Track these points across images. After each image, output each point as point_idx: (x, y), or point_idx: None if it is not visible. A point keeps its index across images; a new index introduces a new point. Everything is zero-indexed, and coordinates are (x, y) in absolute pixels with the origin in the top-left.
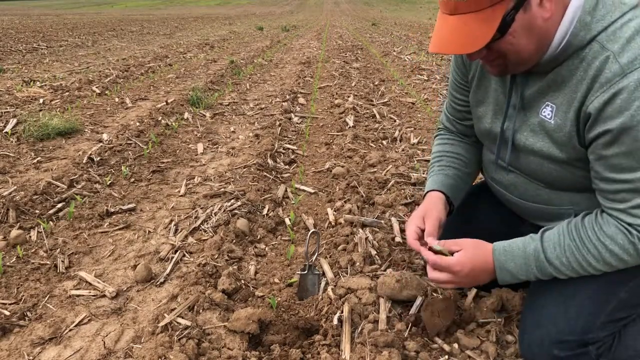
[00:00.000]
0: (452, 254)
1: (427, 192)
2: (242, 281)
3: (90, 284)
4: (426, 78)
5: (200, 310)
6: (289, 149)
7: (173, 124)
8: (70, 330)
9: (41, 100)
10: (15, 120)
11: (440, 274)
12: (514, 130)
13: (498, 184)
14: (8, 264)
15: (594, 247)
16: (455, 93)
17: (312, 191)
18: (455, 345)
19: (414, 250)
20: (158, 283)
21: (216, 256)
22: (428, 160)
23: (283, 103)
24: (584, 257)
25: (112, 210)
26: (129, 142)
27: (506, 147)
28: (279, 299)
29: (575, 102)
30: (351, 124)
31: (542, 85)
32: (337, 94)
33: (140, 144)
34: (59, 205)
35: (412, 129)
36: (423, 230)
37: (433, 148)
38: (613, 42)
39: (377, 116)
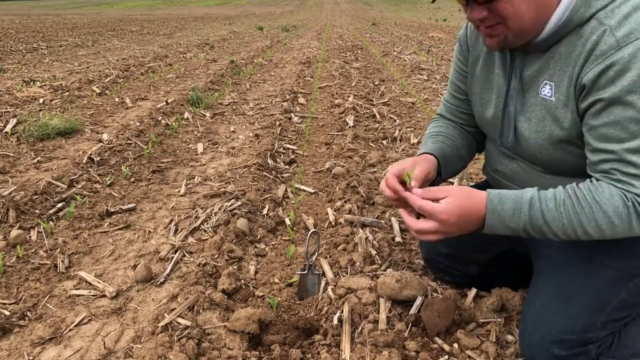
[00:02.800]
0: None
1: (419, 154)
2: (242, 281)
3: (90, 284)
4: (426, 78)
5: (200, 310)
6: (289, 148)
7: (173, 124)
8: (70, 330)
9: (41, 100)
10: (15, 120)
11: (426, 222)
12: (515, 113)
13: (501, 175)
14: (8, 264)
15: (588, 205)
16: (458, 82)
17: (312, 191)
18: (455, 345)
19: (413, 250)
20: (158, 283)
21: (216, 256)
22: None
23: (283, 103)
24: (577, 214)
25: (112, 210)
26: (129, 142)
27: (508, 132)
28: (279, 299)
29: (574, 77)
30: (351, 123)
31: (540, 64)
32: (337, 93)
33: (140, 144)
34: (59, 205)
35: (412, 129)
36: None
37: (427, 130)
38: (610, 18)
39: (377, 116)
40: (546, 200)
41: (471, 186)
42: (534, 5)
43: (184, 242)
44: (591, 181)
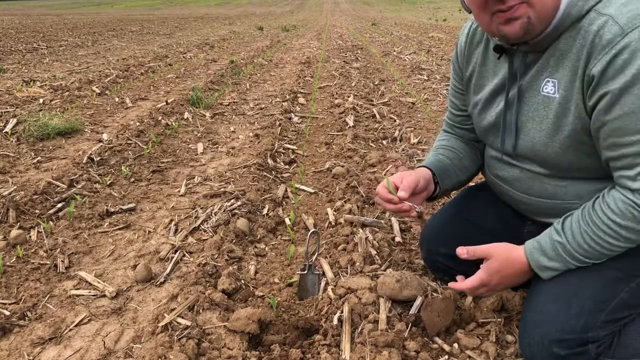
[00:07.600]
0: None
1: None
2: (242, 281)
3: (90, 283)
4: (426, 78)
5: (200, 310)
6: (289, 148)
7: (173, 123)
8: (70, 330)
9: (41, 100)
10: (15, 120)
11: (477, 290)
12: (516, 117)
13: (502, 180)
14: (8, 264)
15: (608, 228)
16: (454, 99)
17: (312, 191)
18: (455, 345)
19: (413, 250)
20: (158, 283)
21: (216, 256)
22: None
23: (283, 103)
24: (603, 239)
25: (112, 210)
26: (129, 142)
27: (510, 138)
28: (279, 299)
29: (579, 71)
30: (351, 123)
31: (540, 64)
32: (337, 93)
33: (140, 144)
34: (59, 205)
35: (412, 128)
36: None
37: (433, 144)
38: (609, 7)
39: (377, 116)
40: (570, 238)
41: (471, 187)
42: None
43: (184, 242)
44: (603, 196)
